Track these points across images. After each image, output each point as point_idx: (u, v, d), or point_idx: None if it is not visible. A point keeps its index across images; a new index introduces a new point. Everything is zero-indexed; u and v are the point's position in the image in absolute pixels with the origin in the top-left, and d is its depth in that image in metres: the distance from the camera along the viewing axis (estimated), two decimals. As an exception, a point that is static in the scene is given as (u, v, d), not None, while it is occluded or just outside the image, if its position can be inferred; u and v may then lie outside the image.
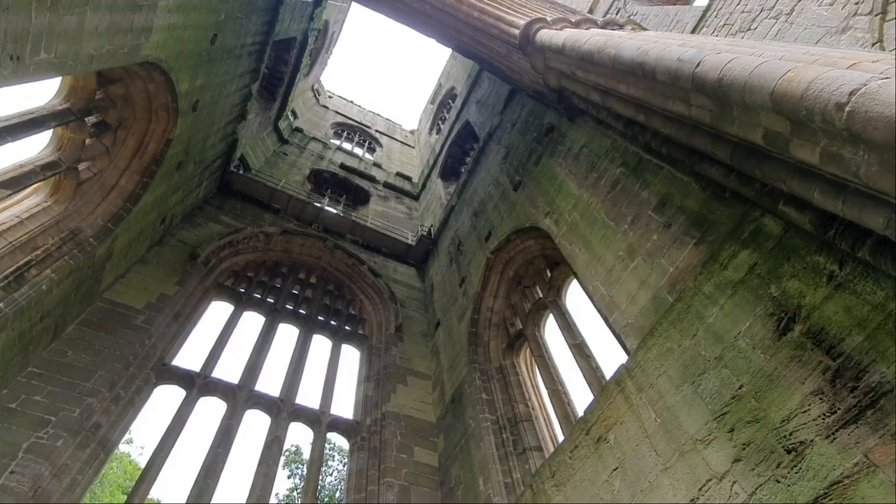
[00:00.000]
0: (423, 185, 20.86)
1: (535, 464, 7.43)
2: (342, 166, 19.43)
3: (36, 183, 7.24)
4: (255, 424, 42.00)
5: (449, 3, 9.26)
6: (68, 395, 6.89)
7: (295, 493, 22.54)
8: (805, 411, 3.51)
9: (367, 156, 23.70)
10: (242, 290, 11.59)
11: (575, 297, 20.62)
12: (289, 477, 23.13)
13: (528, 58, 8.16)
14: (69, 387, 7.00)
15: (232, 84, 11.09)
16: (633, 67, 5.08)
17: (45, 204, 7.49)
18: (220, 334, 10.20)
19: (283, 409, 9.30)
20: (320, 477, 20.02)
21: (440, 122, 24.49)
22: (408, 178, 22.13)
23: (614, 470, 4.96)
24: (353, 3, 15.29)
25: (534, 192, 9.78)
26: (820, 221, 3.62)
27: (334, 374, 10.90)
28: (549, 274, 9.57)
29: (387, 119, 29.27)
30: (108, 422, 7.12)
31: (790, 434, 3.54)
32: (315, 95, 24.90)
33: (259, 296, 11.80)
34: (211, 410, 44.62)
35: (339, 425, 9.73)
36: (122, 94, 8.01)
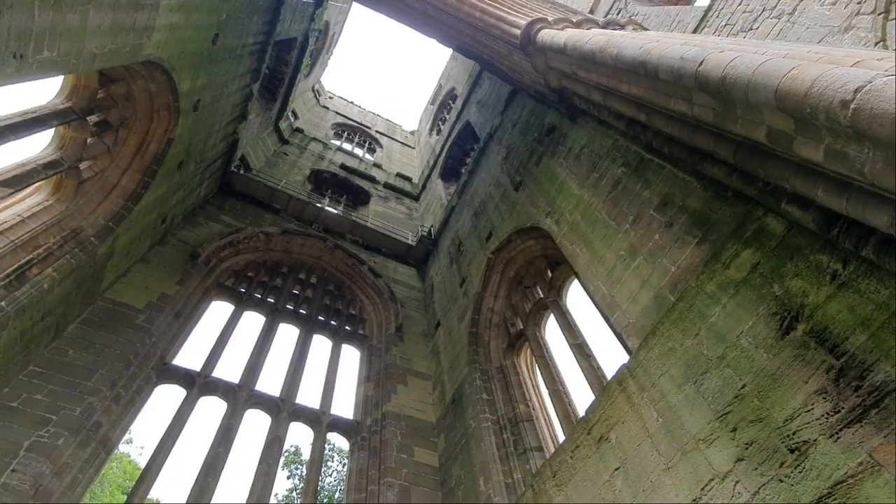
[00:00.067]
0: (424, 186, 20.87)
1: (535, 464, 7.42)
2: (342, 167, 19.44)
3: (38, 181, 7.24)
4: (256, 424, 42.04)
5: (450, 3, 9.27)
6: (69, 394, 6.89)
7: (294, 494, 22.52)
8: (808, 410, 3.50)
9: (368, 156, 23.71)
10: (243, 290, 11.58)
11: (576, 298, 20.64)
12: (288, 478, 23.12)
13: (529, 58, 8.16)
14: (70, 386, 7.00)
15: (233, 84, 11.10)
16: (635, 66, 5.08)
17: (47, 203, 7.49)
18: (221, 334, 10.19)
19: (283, 409, 9.29)
20: (319, 477, 19.99)
21: (440, 123, 24.50)
22: (408, 179, 22.15)
23: (616, 470, 4.95)
24: (354, 4, 15.32)
25: (535, 193, 9.78)
26: (823, 220, 3.61)
27: (334, 374, 10.89)
28: (549, 274, 9.57)
29: (387, 120, 29.29)
30: (109, 421, 7.11)
31: (793, 433, 3.53)
32: (315, 96, 24.92)
33: (259, 296, 11.79)
34: (211, 410, 44.64)
35: (339, 425, 9.72)
36: (123, 94, 8.01)
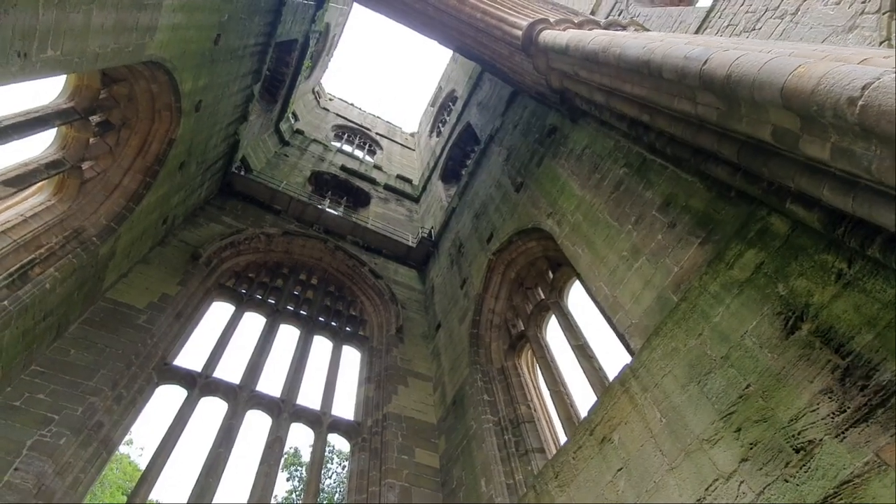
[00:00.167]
0: (424, 188, 20.87)
1: (537, 465, 7.40)
2: (343, 168, 19.46)
3: (40, 181, 7.24)
4: (257, 425, 42.00)
5: (451, 4, 9.27)
6: (71, 394, 6.87)
7: (294, 496, 22.48)
8: (814, 410, 3.49)
9: (368, 158, 23.73)
10: (244, 291, 11.57)
11: (577, 298, 20.62)
12: (288, 479, 23.08)
13: (530, 59, 8.17)
14: (72, 385, 6.99)
15: (234, 85, 11.10)
16: (638, 66, 5.08)
17: (49, 202, 7.48)
18: (222, 335, 10.17)
19: (284, 410, 9.27)
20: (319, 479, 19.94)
21: (440, 125, 24.51)
22: (408, 181, 22.16)
23: (619, 470, 4.94)
24: (355, 6, 15.33)
25: (536, 194, 9.78)
26: (828, 219, 3.60)
27: (335, 375, 10.86)
28: (550, 275, 9.56)
29: (387, 122, 29.32)
30: (111, 421, 7.10)
31: (798, 433, 3.52)
32: (316, 98, 24.95)
33: (260, 296, 11.77)
34: (212, 410, 44.60)
35: (340, 426, 9.70)
36: (125, 94, 8.01)
